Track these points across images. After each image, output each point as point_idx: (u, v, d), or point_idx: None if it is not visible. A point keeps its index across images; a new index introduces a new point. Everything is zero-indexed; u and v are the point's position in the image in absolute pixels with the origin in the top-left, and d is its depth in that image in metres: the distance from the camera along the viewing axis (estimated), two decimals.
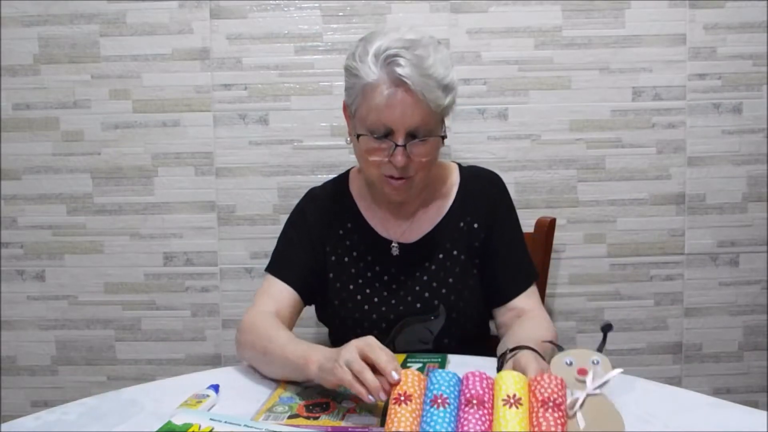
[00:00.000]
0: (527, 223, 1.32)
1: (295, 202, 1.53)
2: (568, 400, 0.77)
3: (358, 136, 1.08)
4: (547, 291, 1.52)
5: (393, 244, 1.18)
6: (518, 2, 1.58)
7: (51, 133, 1.62)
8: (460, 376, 0.82)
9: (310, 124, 1.61)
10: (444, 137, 1.10)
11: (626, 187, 1.63)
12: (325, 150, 1.62)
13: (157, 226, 1.64)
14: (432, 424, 0.74)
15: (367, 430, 0.82)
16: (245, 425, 0.82)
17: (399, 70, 1.00)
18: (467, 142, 1.61)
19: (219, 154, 1.62)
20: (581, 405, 0.76)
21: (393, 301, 1.16)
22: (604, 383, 0.79)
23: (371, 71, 1.03)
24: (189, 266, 1.65)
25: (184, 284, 1.65)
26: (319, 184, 1.30)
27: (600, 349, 0.84)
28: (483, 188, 1.21)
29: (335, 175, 1.34)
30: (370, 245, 1.19)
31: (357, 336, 0.95)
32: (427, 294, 1.16)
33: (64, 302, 1.66)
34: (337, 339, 1.24)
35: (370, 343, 0.86)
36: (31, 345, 1.67)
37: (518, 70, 1.60)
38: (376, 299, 1.17)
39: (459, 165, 1.25)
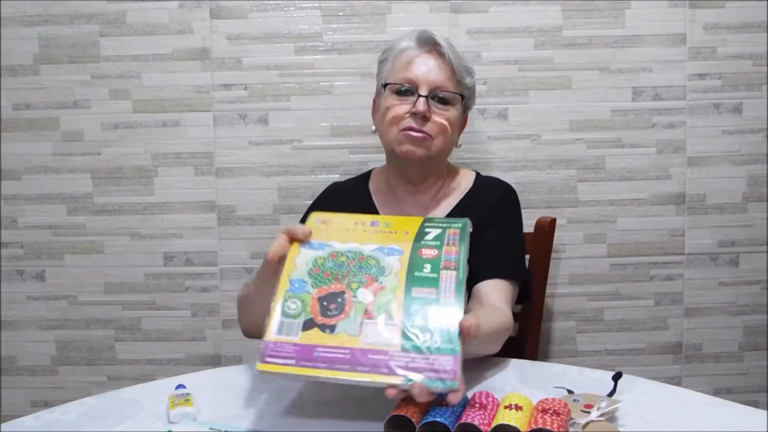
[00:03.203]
0: (527, 223, 1.31)
1: (295, 202, 1.62)
2: (570, 427, 0.79)
3: (385, 85, 1.19)
4: (547, 291, 1.52)
5: None
6: (518, 2, 1.58)
7: (51, 133, 1.62)
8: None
9: (310, 124, 1.61)
10: (461, 103, 1.20)
11: (626, 187, 1.63)
12: (325, 150, 1.62)
13: (157, 226, 1.64)
14: (434, 414, 0.78)
15: (384, 354, 0.78)
16: None
17: (434, 37, 1.17)
18: (467, 142, 1.61)
19: (219, 154, 1.62)
20: (584, 425, 0.79)
21: None
22: (608, 413, 0.81)
23: (406, 42, 1.19)
24: (189, 266, 1.65)
25: (184, 284, 1.65)
26: (321, 183, 1.43)
27: (610, 396, 0.87)
28: (493, 191, 1.26)
29: (335, 175, 1.55)
30: None
31: None
32: None
33: (64, 302, 1.66)
34: None
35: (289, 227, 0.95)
36: (31, 345, 1.67)
37: (518, 70, 1.60)
38: None
39: (477, 173, 1.31)
